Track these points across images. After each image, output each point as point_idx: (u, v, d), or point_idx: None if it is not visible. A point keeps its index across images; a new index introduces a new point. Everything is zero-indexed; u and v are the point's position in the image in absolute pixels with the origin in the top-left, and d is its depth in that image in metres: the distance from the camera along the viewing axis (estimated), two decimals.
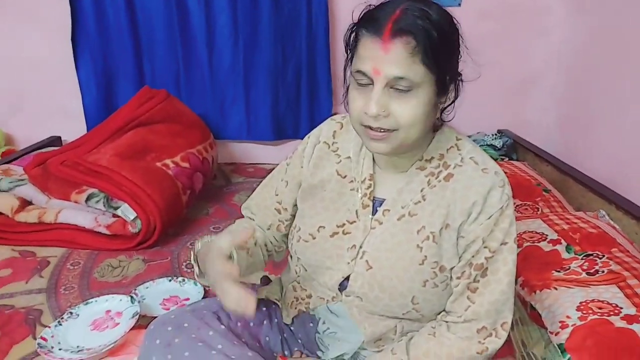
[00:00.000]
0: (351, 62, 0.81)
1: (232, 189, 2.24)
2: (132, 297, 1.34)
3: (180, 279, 1.50)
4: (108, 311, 1.32)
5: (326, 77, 2.39)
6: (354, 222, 0.91)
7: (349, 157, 0.95)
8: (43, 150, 2.18)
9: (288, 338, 1.04)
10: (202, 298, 1.40)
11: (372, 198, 0.91)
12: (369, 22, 0.77)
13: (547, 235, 1.40)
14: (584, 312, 1.06)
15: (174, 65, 2.36)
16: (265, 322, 1.04)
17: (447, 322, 0.88)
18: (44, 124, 2.48)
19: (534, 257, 1.32)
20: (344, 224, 0.92)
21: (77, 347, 1.20)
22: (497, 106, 2.51)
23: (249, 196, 2.09)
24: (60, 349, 1.18)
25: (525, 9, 2.33)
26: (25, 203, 1.76)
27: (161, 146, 1.92)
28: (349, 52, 0.83)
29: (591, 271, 1.20)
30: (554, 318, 1.09)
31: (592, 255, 1.26)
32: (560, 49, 2.34)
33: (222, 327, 0.94)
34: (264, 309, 1.06)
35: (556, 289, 1.17)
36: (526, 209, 1.69)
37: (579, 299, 1.11)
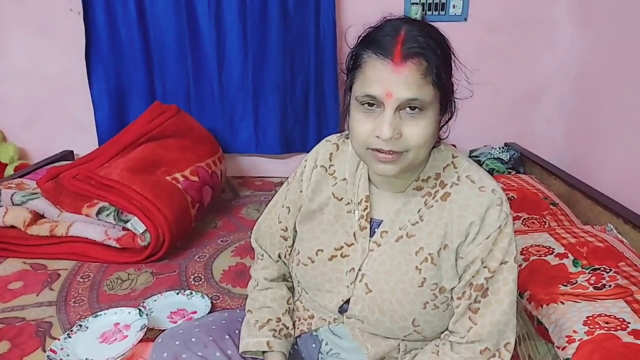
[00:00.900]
0: (351, 86, 0.81)
1: (240, 202, 2.26)
2: (140, 309, 1.35)
3: (187, 292, 1.52)
4: (117, 324, 1.34)
5: (333, 93, 2.42)
6: (352, 244, 0.91)
7: (344, 179, 0.95)
8: (56, 164, 2.23)
9: (293, 354, 1.04)
10: (209, 312, 1.41)
11: (369, 219, 0.91)
12: (373, 44, 0.77)
13: (554, 249, 1.39)
14: (591, 326, 1.06)
15: (184, 81, 2.40)
16: None
17: (450, 341, 0.87)
18: (57, 139, 2.54)
19: (541, 271, 1.32)
20: (342, 247, 0.92)
21: (86, 359, 1.22)
22: (504, 119, 2.51)
23: (256, 209, 2.12)
24: None
25: (532, 22, 2.35)
26: (37, 216, 1.80)
27: (171, 160, 1.95)
28: (349, 76, 0.82)
29: (598, 285, 1.20)
30: (561, 332, 1.09)
31: (599, 269, 1.26)
32: (567, 62, 2.35)
33: (229, 351, 0.95)
34: None
35: (563, 303, 1.16)
36: (533, 222, 1.69)
37: (585, 314, 1.10)
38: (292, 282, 1.06)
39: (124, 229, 1.74)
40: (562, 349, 1.05)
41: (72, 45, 2.34)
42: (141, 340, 1.25)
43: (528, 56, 2.41)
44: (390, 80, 0.74)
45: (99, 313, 1.36)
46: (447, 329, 0.89)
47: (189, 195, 1.88)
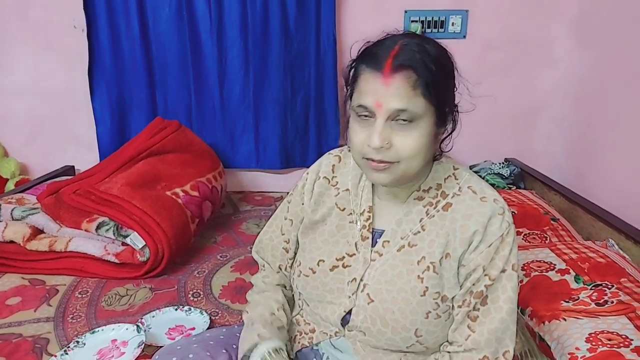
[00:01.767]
0: (351, 97, 0.84)
1: (240, 217, 2.26)
2: (138, 326, 1.34)
3: (186, 308, 1.51)
4: (114, 340, 1.32)
5: (334, 109, 2.43)
6: (354, 254, 0.91)
7: (347, 190, 0.96)
8: (57, 179, 2.23)
9: None
10: (208, 328, 1.40)
11: (371, 229, 0.92)
12: (368, 57, 0.80)
13: (555, 264, 1.38)
14: (594, 343, 1.05)
15: (186, 97, 2.42)
16: None
17: (449, 352, 0.87)
18: (58, 154, 2.55)
19: (542, 286, 1.31)
20: (343, 257, 0.92)
21: None
22: (504, 135, 2.52)
23: (256, 224, 2.11)
24: None
25: (531, 40, 2.38)
26: (36, 231, 1.79)
27: (171, 175, 1.95)
28: (348, 87, 0.85)
29: (600, 301, 1.19)
30: (563, 350, 1.07)
31: (601, 285, 1.25)
32: (566, 79, 2.37)
33: None
34: None
35: (565, 319, 1.15)
36: (534, 238, 1.68)
37: (588, 330, 1.09)
38: (292, 293, 1.05)
39: (123, 244, 1.74)
40: None
41: (75, 62, 2.36)
42: (138, 357, 1.24)
43: (527, 73, 2.43)
44: (380, 91, 0.77)
45: (96, 329, 1.35)
46: (446, 340, 0.89)
47: (189, 210, 1.87)
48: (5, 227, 1.76)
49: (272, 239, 1.06)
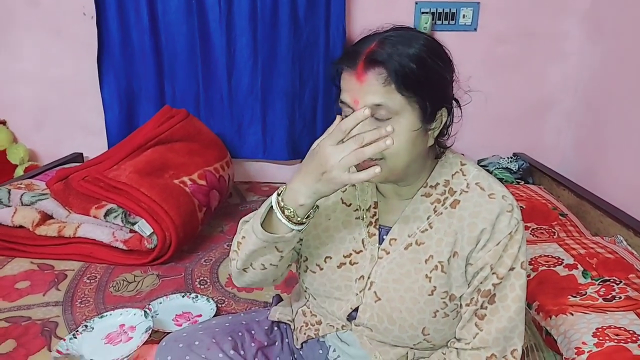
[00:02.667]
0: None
1: (246, 207, 2.26)
2: (145, 311, 1.35)
3: (193, 295, 1.52)
4: (122, 325, 1.34)
5: None
6: (361, 251, 0.91)
7: (353, 185, 0.95)
8: (65, 166, 2.24)
9: (298, 359, 1.04)
10: (214, 315, 1.41)
11: (377, 226, 0.91)
12: (347, 56, 0.80)
13: (563, 259, 1.38)
14: (601, 338, 1.04)
15: (194, 86, 2.42)
16: (277, 342, 1.04)
17: (456, 348, 0.87)
18: (66, 141, 2.56)
19: (550, 281, 1.30)
20: (350, 254, 0.92)
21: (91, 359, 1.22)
22: (513, 129, 2.51)
23: None
24: None
25: (542, 34, 2.35)
26: (46, 217, 1.81)
27: (179, 164, 1.96)
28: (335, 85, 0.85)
29: (608, 297, 1.19)
30: (570, 344, 1.07)
31: (609, 280, 1.24)
32: (577, 73, 2.34)
33: (232, 352, 0.94)
34: (276, 329, 1.06)
35: (572, 314, 1.15)
36: (542, 232, 1.67)
37: (595, 325, 1.09)
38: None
39: (132, 231, 1.75)
40: None
41: (84, 49, 2.37)
42: (146, 342, 1.25)
43: (538, 67, 2.41)
44: (355, 89, 0.77)
45: (104, 314, 1.37)
46: (454, 337, 0.88)
47: (196, 199, 1.88)
48: (14, 212, 1.78)
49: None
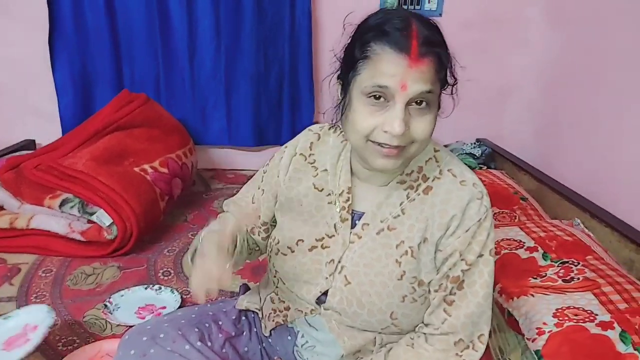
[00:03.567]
0: (351, 76, 0.79)
1: (211, 195, 2.22)
2: (49, 307, 1.21)
3: (156, 287, 1.47)
4: (27, 325, 1.19)
5: (308, 84, 2.39)
6: (333, 236, 0.90)
7: (325, 170, 0.93)
8: (16, 153, 2.12)
9: (267, 348, 1.03)
10: (179, 307, 1.38)
11: (350, 211, 0.90)
12: (387, 37, 0.74)
13: (524, 242, 1.41)
14: (560, 318, 1.08)
15: (154, 69, 2.33)
16: (245, 332, 1.03)
17: (425, 333, 0.87)
18: (17, 127, 2.42)
19: (512, 264, 1.33)
20: (323, 238, 0.91)
21: None
22: (476, 116, 2.54)
23: None
24: None
25: (507, 20, 2.38)
26: None
27: (139, 151, 1.89)
28: (349, 65, 0.79)
29: (567, 278, 1.22)
30: (531, 325, 1.10)
31: (567, 262, 1.28)
32: (538, 61, 2.39)
33: (199, 343, 0.92)
34: (244, 318, 1.04)
35: (533, 295, 1.18)
36: (504, 216, 1.71)
37: (555, 306, 1.12)
38: (252, 249, 1.03)
39: (89, 221, 1.68)
40: (532, 341, 1.06)
41: (35, 29, 2.22)
42: (111, 337, 1.21)
43: (501, 54, 2.45)
44: (405, 74, 0.73)
45: (9, 314, 1.23)
46: (422, 322, 0.89)
47: (157, 188, 1.82)
48: None
49: (246, 205, 1.04)
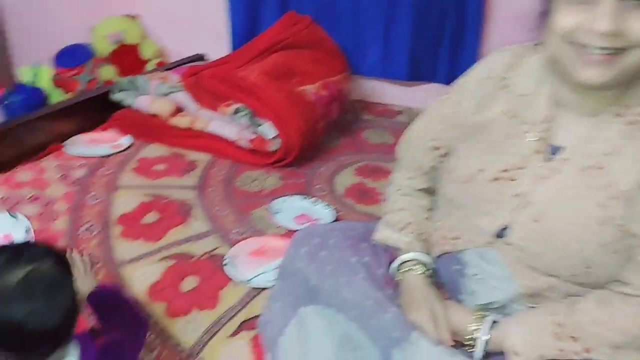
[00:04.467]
0: None
1: (361, 125, 2.22)
2: (10, 213, 1.20)
3: (313, 199, 1.55)
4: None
5: (476, 18, 2.21)
6: (522, 168, 0.83)
7: (522, 95, 0.85)
8: (190, 64, 2.32)
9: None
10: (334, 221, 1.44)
11: (547, 143, 0.82)
12: None
13: None
14: None
15: None
16: None
17: (623, 293, 0.77)
18: (191, 41, 2.63)
19: None
20: (509, 169, 0.84)
21: None
22: None
23: (379, 134, 2.06)
24: None
25: None
26: (179, 109, 1.90)
27: (304, 71, 1.94)
28: None
29: None
30: None
31: None
32: None
33: (367, 258, 0.94)
34: None
35: None
36: None
37: None
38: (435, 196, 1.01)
39: (256, 132, 1.79)
40: None
41: None
42: (273, 235, 1.31)
43: None
44: None
45: None
46: (619, 279, 0.79)
47: (318, 109, 1.87)
48: (151, 101, 1.89)
49: (420, 137, 1.01)
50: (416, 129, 1.04)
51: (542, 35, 0.78)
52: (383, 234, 0.98)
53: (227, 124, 1.81)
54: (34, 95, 2.69)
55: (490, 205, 0.86)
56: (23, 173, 1.48)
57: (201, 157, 1.79)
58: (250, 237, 1.35)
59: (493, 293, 0.88)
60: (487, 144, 0.88)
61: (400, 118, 2.23)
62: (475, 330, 0.84)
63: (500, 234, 0.86)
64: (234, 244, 1.30)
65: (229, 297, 1.11)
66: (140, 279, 1.16)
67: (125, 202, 1.45)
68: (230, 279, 1.16)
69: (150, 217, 1.40)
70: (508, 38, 0.94)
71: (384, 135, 2.07)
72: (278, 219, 1.45)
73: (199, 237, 1.33)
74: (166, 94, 1.93)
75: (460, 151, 0.92)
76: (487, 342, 0.82)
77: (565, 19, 0.70)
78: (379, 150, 1.93)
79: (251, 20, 2.44)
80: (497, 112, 0.87)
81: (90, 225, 1.34)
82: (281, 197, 1.55)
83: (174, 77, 2.04)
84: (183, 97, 1.91)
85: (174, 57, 2.62)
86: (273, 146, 1.74)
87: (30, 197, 1.38)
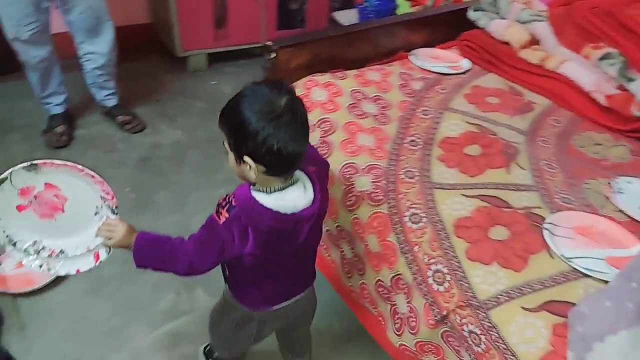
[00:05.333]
0: None
1: None
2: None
3: None
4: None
5: None
6: None
7: None
8: None
9: None
10: None
11: None
12: None
13: None
14: None
15: None
16: None
17: None
18: None
19: None
20: None
21: None
22: None
23: None
24: None
25: None
26: (533, 41, 1.69)
27: None
28: None
29: None
30: None
31: None
32: None
33: None
34: None
35: None
36: None
37: None
38: None
39: (621, 87, 1.45)
40: None
41: None
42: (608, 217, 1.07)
43: None
44: None
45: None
46: None
47: None
48: (506, 26, 1.73)
49: None
50: None
51: None
52: None
53: (586, 70, 1.52)
54: (386, 3, 2.88)
55: None
56: (372, 72, 1.58)
57: (540, 100, 1.58)
58: (579, 209, 1.14)
59: None
60: None
61: None
62: None
63: None
64: (557, 210, 1.12)
65: (539, 267, 0.98)
66: (449, 208, 1.13)
67: (451, 126, 1.41)
68: (545, 247, 1.01)
69: (473, 149, 1.32)
70: None
71: None
72: (619, 200, 1.18)
73: (519, 188, 1.20)
74: (525, 22, 1.73)
75: None
76: None
77: None
78: None
79: None
80: None
81: (415, 139, 1.36)
82: (629, 175, 1.25)
83: (539, 4, 1.80)
84: (543, 28, 1.67)
85: None
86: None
87: (374, 96, 1.48)
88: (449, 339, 1.00)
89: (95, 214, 0.97)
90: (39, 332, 1.45)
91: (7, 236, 0.96)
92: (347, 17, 3.04)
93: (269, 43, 1.50)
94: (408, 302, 1.09)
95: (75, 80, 2.26)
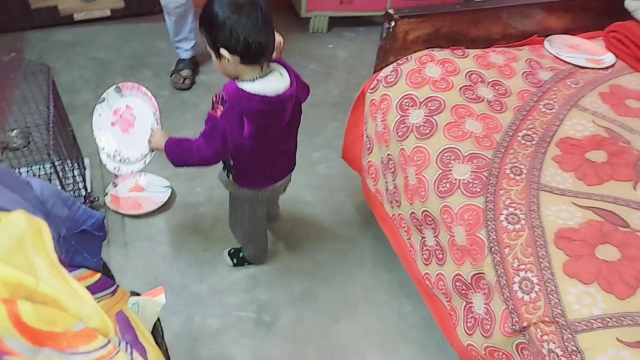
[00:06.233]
0: None
1: None
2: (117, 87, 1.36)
3: None
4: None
5: None
6: None
7: None
8: None
9: None
10: None
11: None
12: None
13: None
14: None
15: None
16: None
17: None
18: None
19: None
20: None
21: None
22: None
23: None
24: None
25: None
26: None
27: None
28: None
29: None
30: None
31: None
32: None
33: None
34: None
35: None
36: None
37: None
38: None
39: None
40: None
41: None
42: None
43: None
44: None
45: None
46: None
47: None
48: None
49: None
50: None
51: None
52: None
53: None
54: None
55: None
56: (496, 55, 1.45)
57: None
58: None
59: None
60: None
61: None
62: None
63: None
64: None
65: None
66: (553, 214, 1.02)
67: (576, 125, 1.26)
68: None
69: (597, 155, 1.17)
70: None
71: None
72: None
73: None
74: None
75: None
76: None
77: None
78: None
79: None
80: None
81: (530, 134, 1.24)
82: None
83: None
84: None
85: None
86: None
87: (493, 81, 1.36)
88: (524, 352, 0.92)
89: (151, 129, 1.26)
90: (138, 252, 1.61)
91: (102, 148, 1.34)
92: None
93: (390, 11, 1.45)
94: (486, 304, 1.02)
95: None
